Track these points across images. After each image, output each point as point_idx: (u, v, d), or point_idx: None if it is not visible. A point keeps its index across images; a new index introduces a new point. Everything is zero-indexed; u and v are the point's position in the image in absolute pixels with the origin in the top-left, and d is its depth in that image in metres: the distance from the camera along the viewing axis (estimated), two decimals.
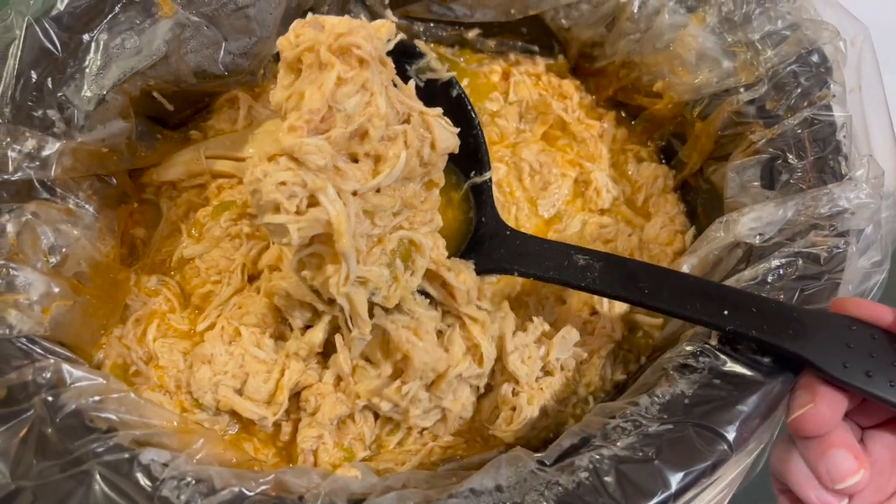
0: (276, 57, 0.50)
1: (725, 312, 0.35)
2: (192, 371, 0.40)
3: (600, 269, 0.38)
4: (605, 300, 0.45)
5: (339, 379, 0.40)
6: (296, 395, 0.41)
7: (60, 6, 0.40)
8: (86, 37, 0.40)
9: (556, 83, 0.55)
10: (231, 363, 0.40)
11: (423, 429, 0.40)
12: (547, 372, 0.41)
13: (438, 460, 0.39)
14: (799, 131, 0.43)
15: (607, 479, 0.32)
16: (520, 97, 0.54)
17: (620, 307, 0.45)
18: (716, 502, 0.37)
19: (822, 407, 0.32)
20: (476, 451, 0.40)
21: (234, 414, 0.40)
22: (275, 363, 0.40)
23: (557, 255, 0.39)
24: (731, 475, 0.37)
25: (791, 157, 0.43)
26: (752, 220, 0.41)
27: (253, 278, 0.44)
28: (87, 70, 0.40)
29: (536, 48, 0.57)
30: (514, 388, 0.40)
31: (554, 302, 0.46)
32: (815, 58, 0.45)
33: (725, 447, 0.33)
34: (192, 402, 0.40)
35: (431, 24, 0.55)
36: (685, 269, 0.44)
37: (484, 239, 0.43)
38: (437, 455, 0.40)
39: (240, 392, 0.40)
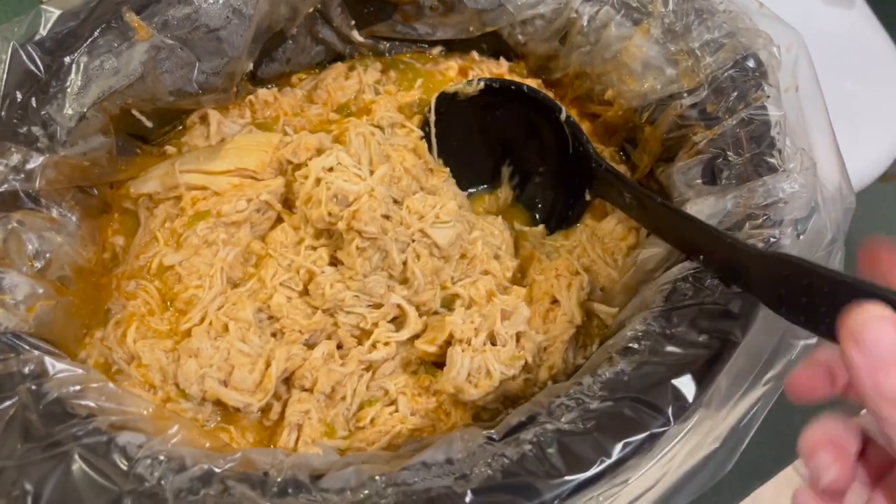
0: (249, 76, 0.54)
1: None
2: (178, 364, 0.42)
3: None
4: (565, 289, 0.47)
5: (329, 356, 0.43)
6: (285, 381, 0.44)
7: (43, 32, 0.43)
8: (67, 59, 0.44)
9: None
10: (217, 356, 0.42)
11: (393, 403, 0.43)
12: (493, 342, 0.43)
13: (404, 441, 0.42)
14: (737, 130, 0.46)
15: (550, 450, 0.34)
16: None
17: (579, 295, 0.47)
18: (672, 483, 0.39)
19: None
20: (441, 432, 0.43)
21: (218, 403, 0.42)
22: (259, 356, 0.43)
23: None
24: (681, 452, 0.39)
25: (730, 154, 0.46)
26: (695, 213, 0.44)
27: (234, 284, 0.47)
28: (69, 90, 0.43)
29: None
30: (461, 349, 0.42)
31: None
32: (750, 63, 0.48)
33: (663, 419, 0.35)
34: (178, 392, 0.42)
35: (396, 43, 0.58)
36: (640, 259, 0.47)
37: None
38: (404, 437, 0.42)
39: (225, 383, 0.42)
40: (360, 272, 0.45)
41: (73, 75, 0.43)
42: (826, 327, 0.32)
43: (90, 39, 0.44)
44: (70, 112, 0.43)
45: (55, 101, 0.43)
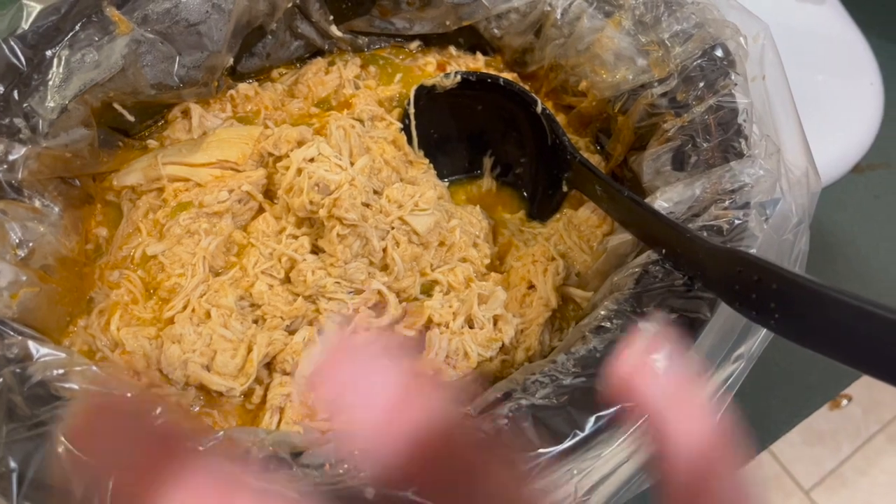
0: (229, 70, 0.55)
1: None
2: (161, 350, 0.43)
3: None
4: (541, 274, 0.48)
5: (310, 341, 0.44)
6: (266, 366, 0.45)
7: (25, 26, 0.44)
8: (48, 53, 0.44)
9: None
10: (199, 342, 0.43)
11: None
12: (471, 326, 0.44)
13: None
14: (706, 117, 0.48)
15: (525, 424, 0.35)
16: None
17: (554, 280, 0.48)
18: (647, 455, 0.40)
19: None
20: None
21: (201, 388, 0.43)
22: (241, 341, 0.43)
23: None
24: None
25: (699, 140, 0.47)
26: (665, 200, 0.45)
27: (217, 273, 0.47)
28: (51, 83, 0.44)
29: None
30: (439, 331, 0.43)
31: None
32: (718, 52, 0.50)
33: None
34: (162, 377, 0.43)
35: (374, 38, 0.59)
36: (610, 245, 0.48)
37: None
38: None
39: (208, 368, 0.43)
40: (341, 259, 0.46)
41: (54, 68, 0.44)
42: (775, 323, 0.33)
43: (71, 33, 0.45)
44: (52, 104, 0.44)
45: (37, 94, 0.44)
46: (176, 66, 0.49)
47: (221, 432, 0.35)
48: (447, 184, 0.56)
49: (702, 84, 0.49)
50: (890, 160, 0.81)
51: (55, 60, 0.44)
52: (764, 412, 0.63)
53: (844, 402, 1.38)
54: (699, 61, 0.50)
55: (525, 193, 0.57)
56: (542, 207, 0.56)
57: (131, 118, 0.50)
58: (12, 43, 0.44)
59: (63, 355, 0.37)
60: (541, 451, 0.34)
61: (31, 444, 0.33)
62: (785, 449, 1.35)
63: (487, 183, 0.58)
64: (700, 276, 0.39)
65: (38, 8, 0.44)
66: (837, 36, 0.83)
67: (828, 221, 0.77)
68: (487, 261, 0.51)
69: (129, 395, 0.37)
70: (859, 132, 0.76)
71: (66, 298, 0.43)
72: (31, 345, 0.37)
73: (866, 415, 1.45)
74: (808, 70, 0.78)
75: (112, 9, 0.46)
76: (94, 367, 0.37)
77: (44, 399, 0.35)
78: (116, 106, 0.48)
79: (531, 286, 0.49)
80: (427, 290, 0.49)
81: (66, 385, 0.36)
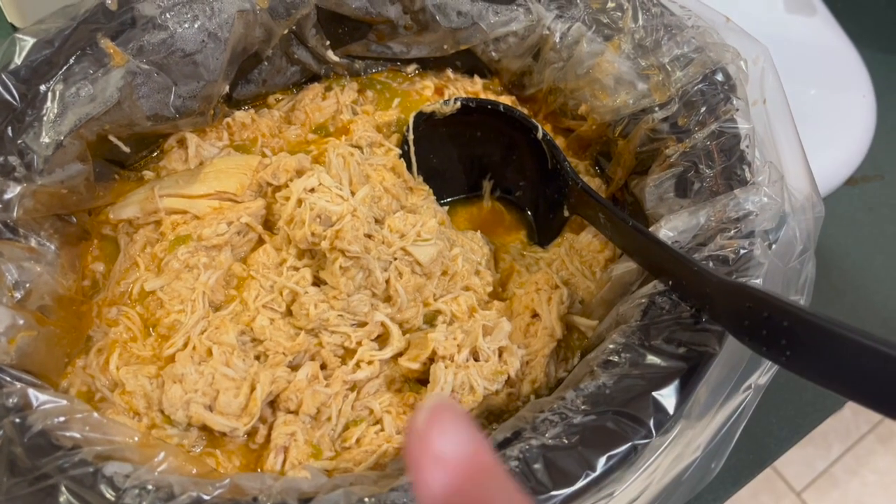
0: (225, 98, 0.54)
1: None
2: (163, 390, 0.42)
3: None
4: (545, 303, 0.48)
5: (313, 377, 0.44)
6: (270, 404, 0.44)
7: (18, 60, 0.43)
8: (42, 87, 0.43)
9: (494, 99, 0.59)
10: (201, 381, 0.42)
11: (378, 422, 0.43)
12: (476, 358, 0.44)
13: (391, 460, 0.42)
14: (708, 143, 0.48)
15: (536, 465, 0.35)
16: None
17: (559, 309, 0.48)
18: (655, 494, 0.40)
19: None
20: None
21: (204, 428, 0.42)
22: (243, 379, 0.43)
23: None
24: (664, 463, 0.40)
25: (702, 166, 0.47)
26: (670, 229, 0.45)
27: (217, 307, 0.47)
28: (45, 118, 0.43)
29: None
30: (444, 365, 0.43)
31: None
32: (719, 76, 0.50)
33: (645, 431, 0.36)
34: (164, 418, 0.42)
35: (371, 62, 0.59)
36: (615, 274, 0.48)
37: None
38: (391, 456, 0.42)
39: (210, 408, 0.42)
40: (343, 291, 0.45)
41: (48, 103, 0.43)
42: (786, 360, 0.33)
43: (65, 67, 0.44)
44: (47, 140, 0.43)
45: (31, 130, 0.43)
46: (172, 96, 0.48)
47: (227, 480, 0.35)
48: (446, 207, 0.56)
49: (703, 109, 0.49)
50: (884, 172, 0.81)
51: (49, 95, 0.44)
52: (766, 430, 0.63)
53: None
54: (700, 86, 0.50)
55: (528, 212, 0.57)
56: (543, 232, 0.56)
57: (126, 149, 0.49)
58: (5, 78, 0.43)
59: (63, 402, 0.36)
60: (553, 493, 0.34)
61: (34, 499, 0.32)
62: None
63: (487, 204, 0.57)
64: (708, 308, 0.39)
65: (31, 41, 0.44)
66: (829, 48, 0.83)
67: (822, 234, 0.76)
68: (490, 288, 0.50)
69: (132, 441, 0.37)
70: (852, 144, 0.77)
71: (65, 339, 0.42)
72: (31, 392, 0.36)
73: (856, 416, 1.45)
74: (801, 83, 0.78)
75: (107, 41, 0.45)
76: (95, 414, 0.37)
77: (45, 450, 0.34)
78: (112, 138, 0.47)
79: (535, 315, 0.48)
80: (430, 321, 0.48)
81: (68, 434, 0.35)
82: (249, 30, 0.50)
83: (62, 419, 0.35)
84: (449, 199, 0.57)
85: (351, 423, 0.43)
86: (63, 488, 0.32)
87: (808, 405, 0.65)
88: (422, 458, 0.21)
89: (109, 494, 0.33)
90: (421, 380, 0.46)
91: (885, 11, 0.94)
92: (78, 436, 0.35)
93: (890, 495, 1.35)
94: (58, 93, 0.44)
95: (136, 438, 0.37)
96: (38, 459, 0.33)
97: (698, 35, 0.51)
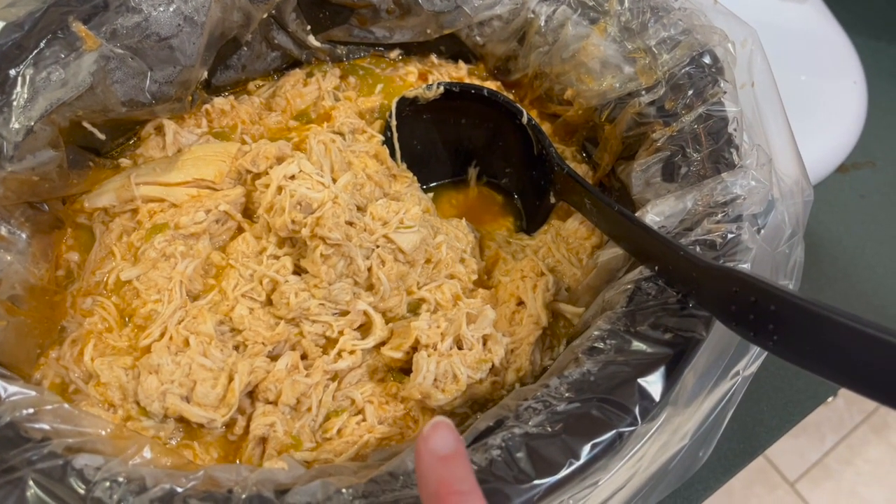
0: (204, 84, 0.53)
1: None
2: (138, 381, 0.41)
3: None
4: (530, 290, 0.47)
5: (293, 367, 0.43)
6: (248, 394, 0.43)
7: None
8: (12, 72, 0.42)
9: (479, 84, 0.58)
10: (178, 372, 0.41)
11: (360, 412, 0.42)
12: (460, 346, 0.43)
13: (373, 451, 0.41)
14: (695, 127, 0.47)
15: (518, 454, 0.34)
16: None
17: (544, 297, 0.47)
18: (642, 482, 0.39)
19: None
20: (409, 440, 0.42)
21: (181, 420, 0.41)
22: (221, 370, 0.42)
23: None
24: (650, 451, 0.39)
25: (689, 150, 0.46)
26: (656, 214, 0.44)
27: (194, 297, 0.46)
28: (15, 103, 0.42)
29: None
30: (427, 354, 0.42)
31: None
32: (706, 59, 0.49)
33: (630, 419, 0.35)
34: (139, 410, 0.41)
35: (353, 47, 0.58)
36: (601, 260, 0.47)
37: None
38: (372, 446, 0.41)
39: (188, 399, 0.41)
40: (325, 280, 0.44)
41: (18, 88, 0.42)
42: (774, 344, 0.32)
43: (36, 51, 0.43)
44: (17, 126, 0.42)
45: (0, 116, 0.42)
46: (148, 81, 0.47)
47: (202, 472, 0.34)
48: (431, 193, 0.55)
49: (690, 92, 0.48)
50: (875, 159, 0.81)
51: (19, 80, 0.42)
52: (756, 419, 0.63)
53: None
54: (687, 69, 0.49)
55: (517, 197, 0.56)
56: (529, 219, 0.55)
57: (102, 136, 0.48)
58: None
59: (33, 393, 0.35)
60: (536, 482, 0.33)
61: (2, 492, 0.31)
62: None
63: (473, 191, 0.56)
64: (694, 294, 0.38)
65: None
66: (820, 35, 0.82)
67: (813, 221, 0.76)
68: (475, 276, 0.49)
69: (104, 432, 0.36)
70: (844, 131, 0.76)
71: (37, 330, 0.41)
72: (0, 384, 0.35)
73: (849, 406, 1.45)
74: (792, 70, 0.78)
75: (78, 24, 0.44)
76: (66, 406, 0.36)
77: (13, 442, 0.33)
78: (86, 125, 0.46)
79: (520, 303, 0.47)
80: (414, 309, 0.47)
81: (37, 426, 0.34)
82: (227, 13, 0.49)
83: (31, 411, 0.34)
84: (434, 185, 0.56)
85: (332, 413, 0.43)
86: (30, 481, 0.31)
87: (800, 393, 0.64)
88: (423, 452, 0.30)
89: (79, 487, 0.32)
90: (404, 369, 0.45)
91: None
92: (48, 427, 0.34)
93: (884, 485, 1.35)
94: (28, 77, 0.43)
95: (109, 430, 0.36)
96: (5, 452, 0.32)
97: (685, 17, 0.50)
